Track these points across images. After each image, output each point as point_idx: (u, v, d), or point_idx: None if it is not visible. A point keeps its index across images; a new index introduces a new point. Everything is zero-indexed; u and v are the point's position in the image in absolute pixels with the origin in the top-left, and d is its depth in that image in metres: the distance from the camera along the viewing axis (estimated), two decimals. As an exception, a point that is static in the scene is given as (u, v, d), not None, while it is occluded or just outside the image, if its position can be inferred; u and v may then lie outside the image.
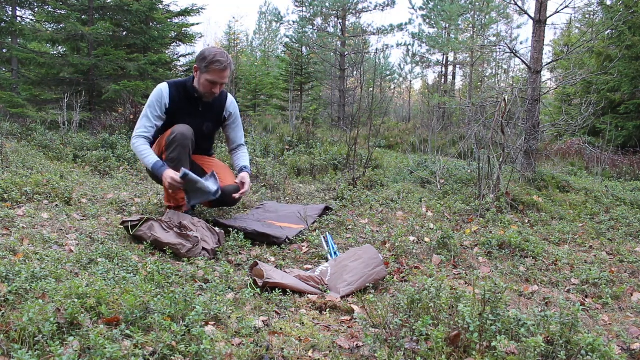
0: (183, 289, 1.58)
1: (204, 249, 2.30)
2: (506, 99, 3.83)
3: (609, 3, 10.25)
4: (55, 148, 4.77)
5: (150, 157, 2.60)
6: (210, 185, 2.60)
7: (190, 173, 2.52)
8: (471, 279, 2.17)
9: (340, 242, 2.66)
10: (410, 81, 26.55)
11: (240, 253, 2.43)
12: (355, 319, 1.70)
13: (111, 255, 2.02)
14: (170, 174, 2.51)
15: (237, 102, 3.05)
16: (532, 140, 4.75)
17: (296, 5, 15.96)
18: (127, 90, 7.20)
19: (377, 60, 22.21)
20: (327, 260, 2.35)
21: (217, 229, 2.48)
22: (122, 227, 2.44)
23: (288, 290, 1.93)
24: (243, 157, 3.02)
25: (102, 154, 4.57)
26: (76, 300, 1.38)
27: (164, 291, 1.60)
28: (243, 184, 2.80)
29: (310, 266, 2.32)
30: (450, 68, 20.45)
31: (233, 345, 1.42)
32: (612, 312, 1.92)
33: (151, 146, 2.78)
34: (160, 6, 9.30)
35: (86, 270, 1.84)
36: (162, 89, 2.69)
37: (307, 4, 15.63)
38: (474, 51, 16.61)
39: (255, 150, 5.53)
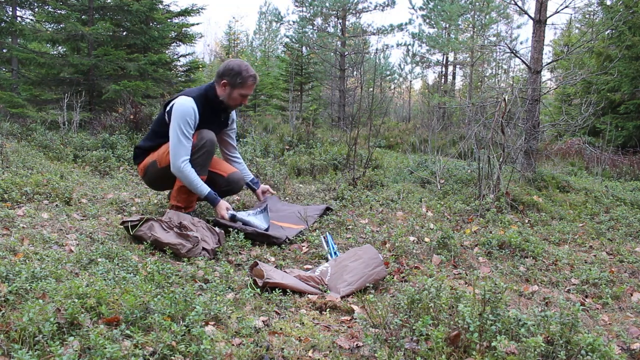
0: (183, 289, 1.58)
1: (204, 249, 2.30)
2: (506, 99, 3.83)
3: (609, 3, 10.25)
4: (55, 148, 4.77)
5: (203, 186, 2.67)
6: (259, 222, 2.74)
7: (238, 215, 2.67)
8: (471, 279, 2.17)
9: (340, 242, 2.66)
10: (410, 81, 26.56)
11: (240, 253, 2.43)
12: (355, 319, 1.70)
13: (111, 255, 2.02)
14: (222, 212, 2.67)
15: None
16: (532, 140, 4.75)
17: (296, 5, 15.96)
18: (127, 90, 7.21)
19: (377, 60, 22.21)
20: (327, 260, 2.35)
21: (217, 229, 2.48)
22: (122, 227, 2.44)
23: (288, 290, 1.93)
24: (246, 169, 3.20)
25: (102, 154, 4.57)
26: (76, 300, 1.38)
27: (164, 291, 1.60)
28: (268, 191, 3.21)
29: (310, 266, 2.32)
30: (450, 68, 20.45)
31: (233, 345, 1.42)
32: (612, 312, 1.92)
33: (152, 150, 2.86)
34: (160, 6, 9.30)
35: (86, 270, 1.84)
36: (191, 106, 2.64)
37: (307, 4, 15.63)
38: (474, 51, 16.61)
39: (255, 150, 5.53)
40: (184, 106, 2.63)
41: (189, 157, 2.64)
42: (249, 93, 2.76)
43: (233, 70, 2.67)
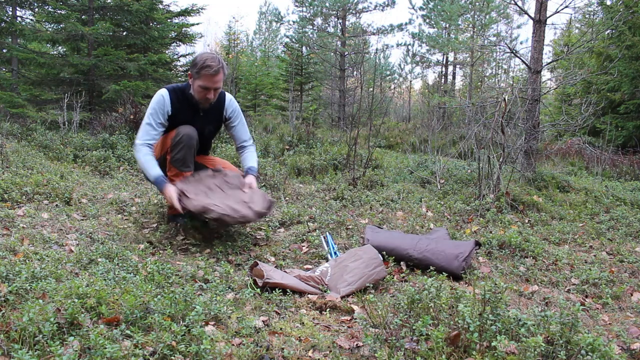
0: (183, 289, 1.58)
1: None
2: (506, 99, 3.83)
3: (609, 3, 10.25)
4: (55, 148, 4.77)
5: (154, 169, 2.57)
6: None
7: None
8: (471, 279, 2.17)
9: (340, 242, 2.66)
10: (410, 81, 26.54)
11: (240, 253, 2.43)
12: (355, 319, 1.70)
13: (111, 255, 2.02)
14: (172, 194, 2.46)
15: (237, 102, 3.03)
16: (532, 140, 4.75)
17: (296, 5, 15.95)
18: (127, 90, 7.20)
19: (377, 60, 22.20)
20: (327, 260, 2.35)
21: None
22: (122, 227, 2.44)
23: (288, 290, 1.93)
24: (250, 157, 2.97)
25: (102, 154, 4.57)
26: (76, 300, 1.38)
27: (164, 291, 1.60)
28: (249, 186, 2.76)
29: (310, 266, 2.32)
30: (450, 68, 20.44)
31: (233, 345, 1.42)
32: (612, 312, 1.92)
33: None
34: (160, 6, 9.29)
35: (86, 270, 1.84)
36: (163, 95, 2.65)
37: (307, 4, 15.62)
38: (474, 51, 16.61)
39: (256, 150, 5.53)
40: (157, 96, 2.67)
41: (149, 142, 2.62)
42: (208, 85, 2.59)
43: (194, 61, 2.64)
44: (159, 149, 2.74)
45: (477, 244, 2.47)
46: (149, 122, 2.64)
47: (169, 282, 1.83)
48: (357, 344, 1.50)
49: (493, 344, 1.26)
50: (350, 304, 1.85)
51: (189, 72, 2.67)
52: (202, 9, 9.93)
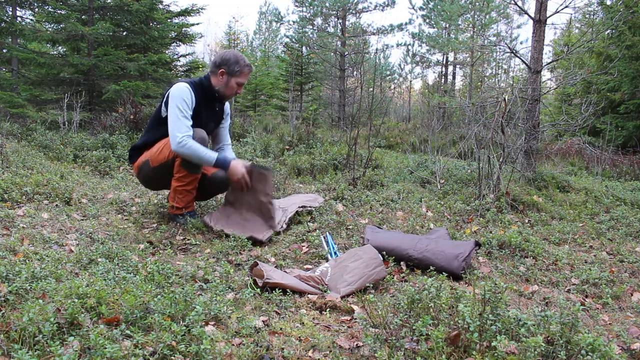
0: (183, 289, 1.58)
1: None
2: (506, 99, 3.83)
3: (609, 3, 10.25)
4: (55, 148, 4.77)
5: (210, 152, 2.66)
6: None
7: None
8: (471, 279, 2.17)
9: (340, 242, 2.66)
10: (410, 81, 26.52)
11: (240, 253, 2.43)
12: (355, 319, 1.70)
13: (111, 255, 2.02)
14: (241, 170, 2.70)
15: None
16: (532, 140, 4.75)
17: (296, 5, 15.94)
18: (127, 90, 7.20)
19: (377, 60, 22.19)
20: (327, 260, 2.35)
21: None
22: (122, 227, 2.44)
23: (288, 290, 1.93)
24: (232, 153, 3.12)
25: (102, 154, 4.57)
26: (76, 300, 1.38)
27: (164, 291, 1.60)
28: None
29: (310, 266, 2.32)
30: (450, 68, 20.43)
31: (233, 345, 1.42)
32: (612, 312, 1.92)
33: (149, 147, 2.81)
34: (160, 6, 9.29)
35: (86, 270, 1.84)
36: (187, 88, 2.68)
37: (307, 4, 15.61)
38: (474, 51, 16.61)
39: (255, 150, 5.53)
40: (179, 88, 2.67)
41: (188, 133, 2.61)
42: (244, 82, 2.86)
43: (230, 60, 2.74)
44: (168, 150, 2.71)
45: (477, 244, 2.47)
46: (182, 114, 2.63)
47: (169, 282, 1.83)
48: (357, 344, 1.50)
49: (493, 344, 1.26)
50: (350, 304, 1.85)
51: (222, 70, 2.74)
52: (202, 9, 9.93)
